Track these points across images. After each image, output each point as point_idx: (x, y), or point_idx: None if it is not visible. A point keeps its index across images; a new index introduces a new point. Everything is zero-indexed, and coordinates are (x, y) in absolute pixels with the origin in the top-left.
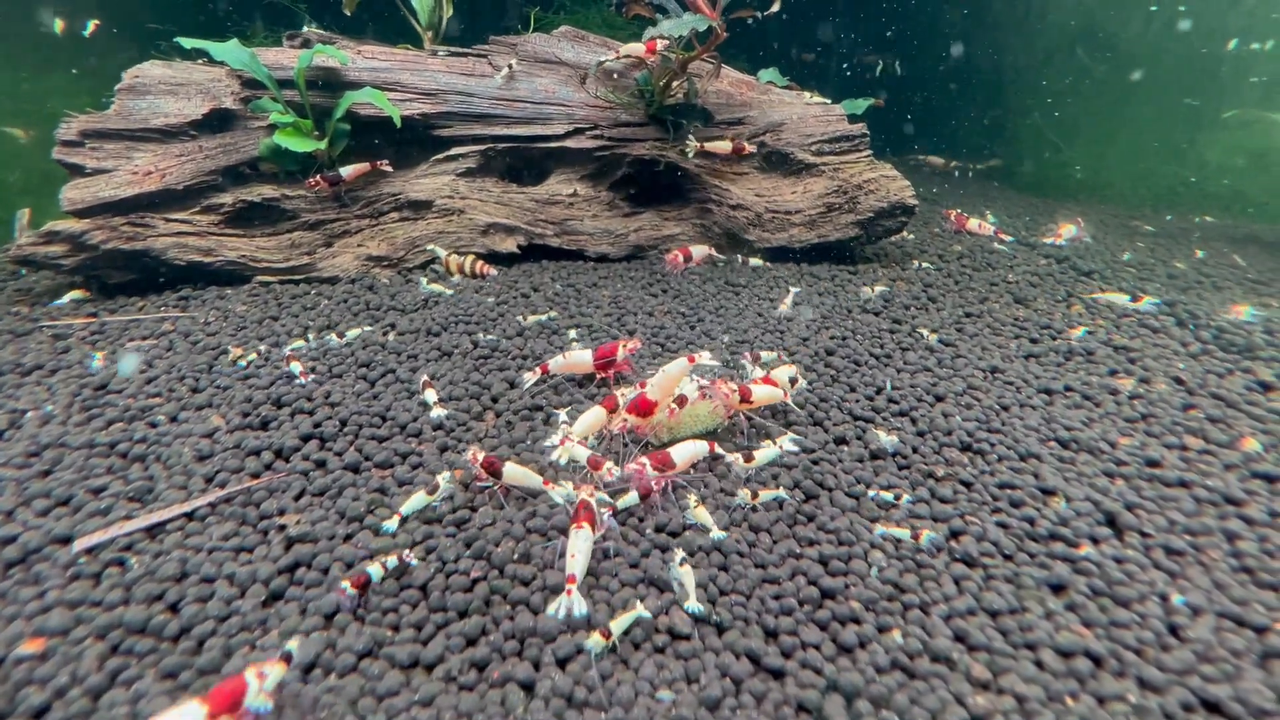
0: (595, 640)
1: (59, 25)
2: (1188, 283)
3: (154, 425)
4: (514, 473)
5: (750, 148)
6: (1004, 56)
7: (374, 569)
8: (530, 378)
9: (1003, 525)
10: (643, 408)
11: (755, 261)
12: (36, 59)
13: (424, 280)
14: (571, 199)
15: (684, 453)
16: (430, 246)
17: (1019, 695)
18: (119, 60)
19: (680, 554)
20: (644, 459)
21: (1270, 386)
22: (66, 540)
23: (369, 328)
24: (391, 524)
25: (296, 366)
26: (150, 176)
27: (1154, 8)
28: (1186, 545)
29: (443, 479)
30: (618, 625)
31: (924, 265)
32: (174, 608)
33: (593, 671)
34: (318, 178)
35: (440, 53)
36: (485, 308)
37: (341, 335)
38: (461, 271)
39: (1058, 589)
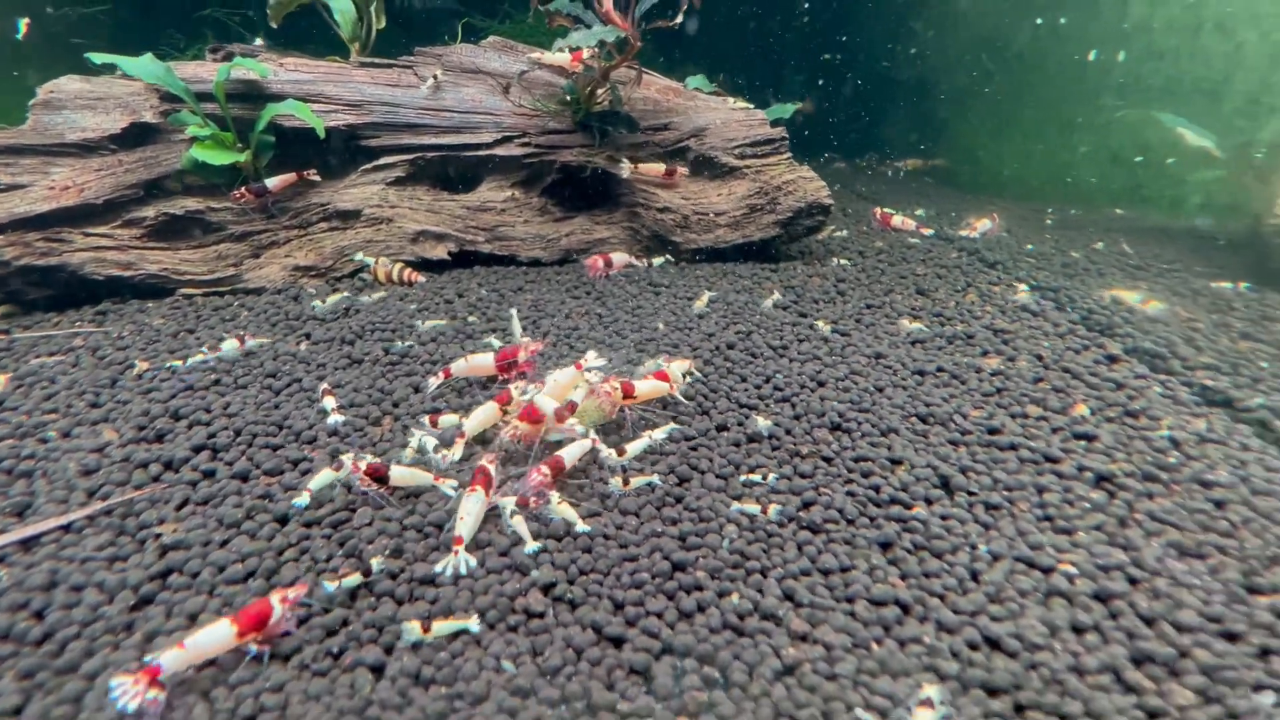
0: (413, 629)
1: None
2: (1075, 270)
3: (44, 441)
4: (401, 474)
5: (683, 170)
6: (934, 62)
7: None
8: (434, 382)
9: (851, 494)
10: (533, 416)
11: (658, 261)
12: None
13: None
14: (504, 205)
15: (573, 453)
16: (358, 255)
17: (828, 644)
18: (54, 74)
19: (511, 506)
20: (544, 466)
21: (1116, 359)
22: None
23: (268, 339)
24: (302, 500)
25: (192, 379)
26: (68, 191)
27: (1039, 20)
28: (1003, 500)
29: (346, 459)
30: (442, 627)
31: (842, 262)
32: (39, 614)
33: (444, 652)
34: (243, 189)
35: (366, 65)
36: (405, 315)
37: (243, 343)
38: (390, 279)
39: (885, 546)
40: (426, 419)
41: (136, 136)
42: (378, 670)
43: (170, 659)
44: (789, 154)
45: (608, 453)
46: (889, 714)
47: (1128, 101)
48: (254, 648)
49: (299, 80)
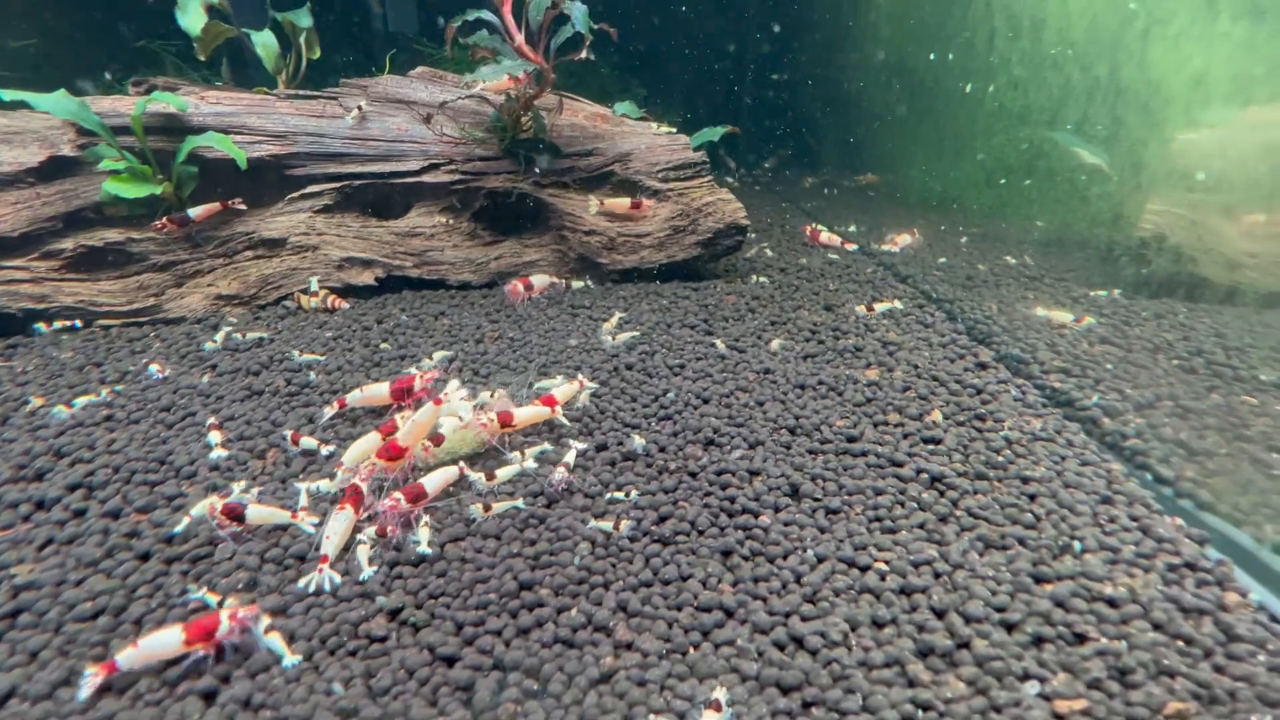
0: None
1: None
2: (976, 283)
3: None
4: (257, 514)
5: (649, 203)
6: (865, 88)
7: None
8: (329, 412)
9: (708, 506)
10: (393, 452)
11: (577, 284)
12: None
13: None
14: (433, 230)
15: (435, 481)
16: (314, 283)
17: (645, 651)
18: None
19: (365, 534)
20: (397, 494)
21: (985, 365)
22: None
23: (173, 370)
24: (180, 526)
25: (69, 413)
26: None
27: (931, 55)
28: (842, 504)
29: (237, 486)
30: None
31: (761, 279)
32: None
33: (277, 678)
34: (165, 220)
35: (290, 97)
36: (319, 343)
37: (132, 380)
38: (313, 308)
39: (726, 554)
40: (288, 434)
41: (55, 170)
42: (209, 697)
43: (125, 657)
44: (710, 177)
45: (476, 478)
46: (685, 716)
47: (1027, 125)
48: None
49: (220, 113)
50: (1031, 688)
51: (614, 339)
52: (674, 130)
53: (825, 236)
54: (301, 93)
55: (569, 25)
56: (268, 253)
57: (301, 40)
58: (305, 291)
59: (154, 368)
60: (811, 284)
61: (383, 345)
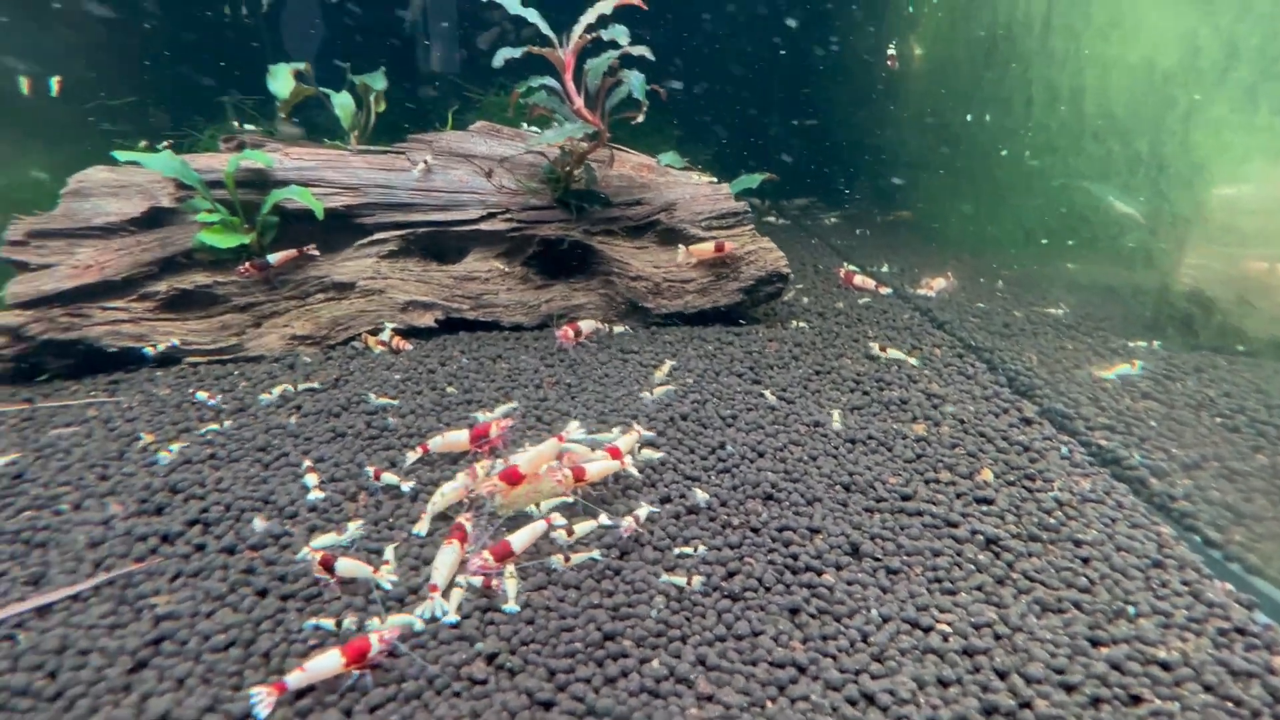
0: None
1: (25, 85)
2: (1013, 330)
3: (58, 513)
4: (345, 566)
5: (731, 246)
6: (900, 133)
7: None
8: (412, 456)
9: (772, 563)
10: (513, 477)
11: (619, 329)
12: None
13: (263, 396)
14: (488, 275)
15: (523, 537)
16: (388, 328)
17: (727, 704)
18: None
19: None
20: (486, 554)
21: (1030, 421)
22: None
23: (269, 409)
24: (304, 552)
25: (179, 452)
26: (90, 270)
27: (968, 117)
28: (902, 565)
29: (352, 526)
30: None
31: (801, 324)
32: (52, 674)
33: (395, 716)
34: (248, 264)
35: (363, 151)
36: (390, 385)
37: (221, 421)
38: (383, 346)
39: (794, 612)
40: (370, 470)
41: (154, 219)
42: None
43: (293, 678)
44: (751, 225)
45: (558, 533)
46: None
47: (1063, 175)
48: (355, 673)
49: (301, 167)
50: None
51: (666, 388)
52: (715, 180)
53: (859, 280)
54: (373, 148)
55: (624, 86)
56: (338, 295)
57: (371, 98)
58: (373, 333)
59: (264, 397)
60: (850, 330)
61: (449, 389)
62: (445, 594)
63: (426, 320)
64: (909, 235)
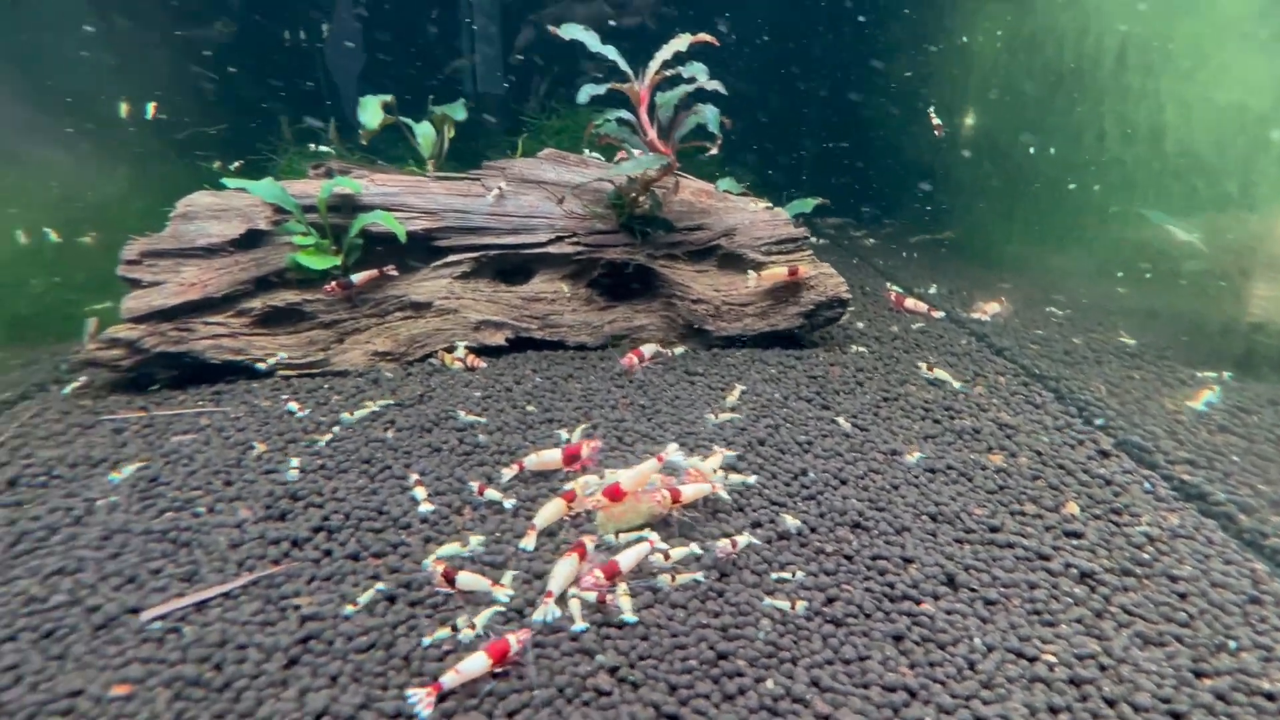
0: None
1: (124, 109)
2: (1076, 358)
3: (196, 515)
4: (465, 580)
5: (805, 269)
6: (950, 153)
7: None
8: (508, 473)
9: (869, 590)
10: (615, 494)
11: (678, 350)
12: (100, 166)
13: (345, 414)
14: (554, 295)
15: (629, 558)
16: (460, 346)
17: None
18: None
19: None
20: (597, 570)
21: (1107, 454)
22: (135, 611)
23: (369, 419)
24: (427, 562)
25: (301, 463)
26: (194, 287)
27: (1028, 141)
28: (999, 596)
29: (474, 539)
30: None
31: (860, 349)
32: (218, 667)
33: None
34: (333, 284)
35: (441, 178)
36: (473, 402)
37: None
38: (459, 363)
39: (898, 639)
40: (475, 485)
41: (250, 240)
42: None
43: (447, 679)
44: (810, 250)
45: (657, 555)
46: None
47: (1118, 201)
48: (499, 669)
49: (386, 193)
50: None
51: (737, 413)
52: (771, 205)
53: (910, 303)
54: (450, 175)
55: (695, 118)
56: (415, 314)
57: (445, 126)
58: (448, 350)
59: (346, 416)
60: (910, 355)
61: (529, 408)
62: (562, 603)
63: (498, 339)
64: (953, 257)
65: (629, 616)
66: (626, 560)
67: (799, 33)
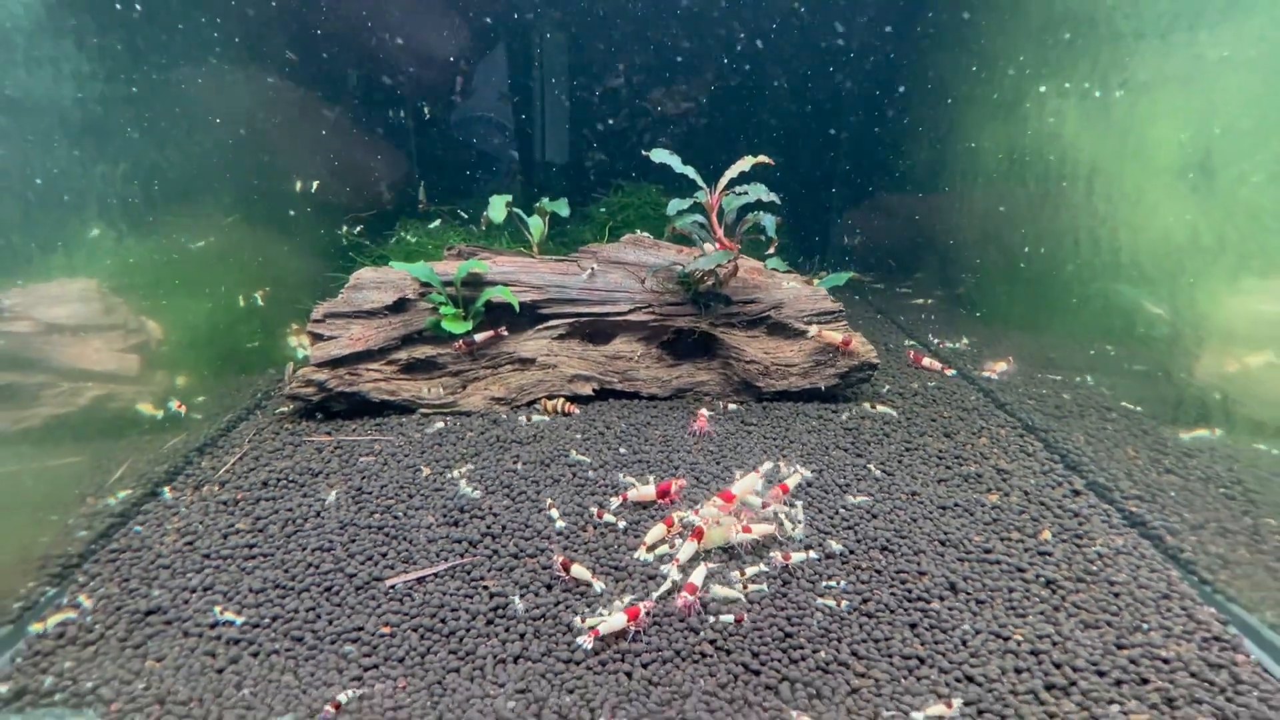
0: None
1: (298, 185)
2: (1064, 412)
3: (395, 518)
4: (577, 571)
5: (856, 343)
6: (956, 220)
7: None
8: (615, 502)
9: (893, 594)
10: (726, 499)
11: (732, 406)
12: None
13: (460, 482)
14: (631, 354)
15: (699, 577)
16: (560, 395)
17: (876, 678)
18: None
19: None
20: (686, 594)
21: (1078, 492)
22: (379, 579)
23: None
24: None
25: (464, 485)
26: (359, 341)
27: (1026, 248)
28: (987, 597)
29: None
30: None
31: (885, 407)
32: (442, 620)
33: (660, 670)
34: (460, 342)
35: (546, 259)
36: (576, 443)
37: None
38: (555, 411)
39: (913, 626)
40: (594, 510)
41: (399, 306)
42: (628, 675)
43: (603, 627)
44: (845, 322)
45: (734, 574)
46: (908, 714)
47: (1102, 280)
48: (632, 629)
49: (505, 272)
50: (1115, 708)
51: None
52: (809, 280)
53: (927, 360)
54: (553, 257)
55: (754, 222)
56: (521, 368)
57: (545, 219)
58: (549, 399)
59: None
60: (927, 409)
61: (621, 449)
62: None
63: (587, 389)
64: (966, 317)
65: (729, 617)
66: (699, 578)
67: (823, 122)
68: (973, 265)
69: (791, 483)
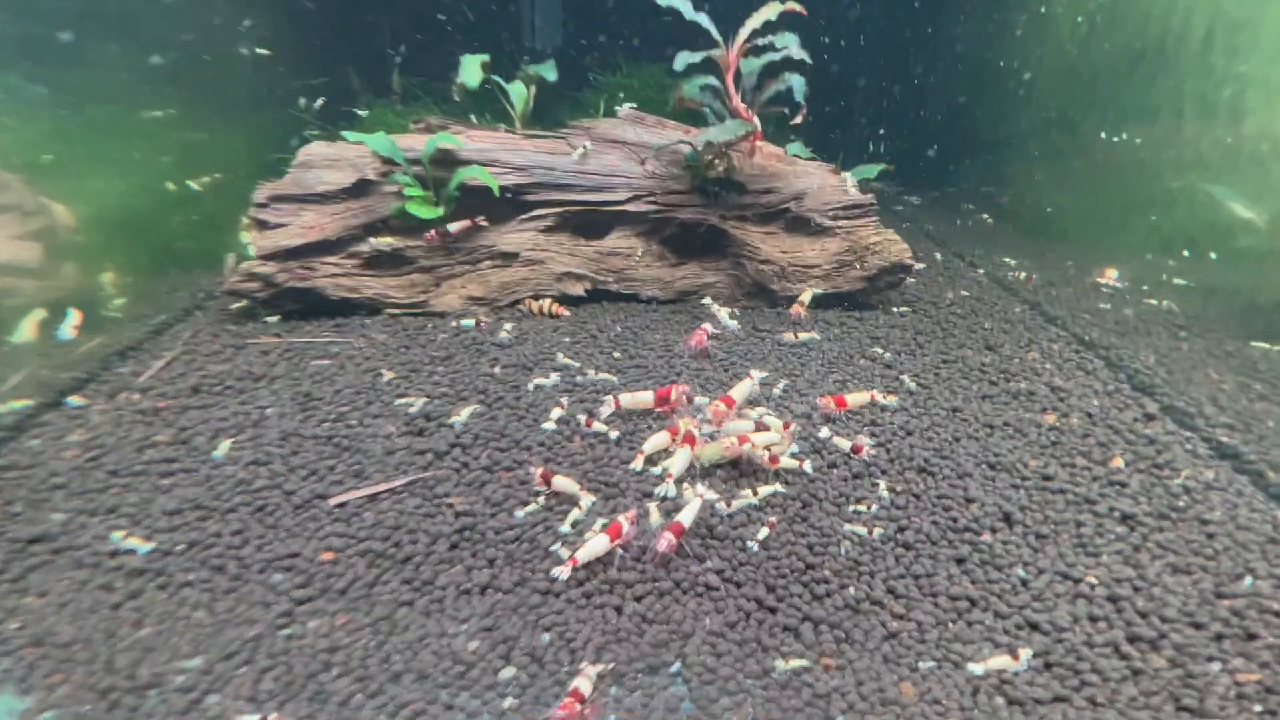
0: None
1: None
2: (1126, 329)
3: (350, 426)
4: (559, 483)
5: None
6: (1011, 125)
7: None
8: (606, 409)
9: (935, 523)
10: (726, 403)
11: (745, 308)
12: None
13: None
14: (628, 250)
15: (689, 515)
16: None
17: (919, 621)
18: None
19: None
20: (668, 534)
21: (1152, 417)
22: (323, 497)
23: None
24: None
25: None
26: (312, 230)
27: (1102, 134)
28: (1049, 531)
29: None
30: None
31: (917, 314)
32: (397, 544)
33: (657, 605)
34: (432, 232)
35: (530, 136)
36: (564, 347)
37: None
38: (541, 312)
39: (960, 561)
40: (583, 419)
41: (359, 189)
42: (618, 610)
43: (581, 553)
44: (876, 218)
45: (746, 492)
46: (960, 665)
47: (1190, 179)
48: (620, 551)
49: (482, 149)
50: (1215, 665)
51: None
52: (838, 169)
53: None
54: (539, 133)
55: (778, 85)
56: (504, 263)
57: (530, 89)
58: (535, 299)
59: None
60: (965, 320)
61: (615, 354)
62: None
63: (578, 290)
64: (1007, 226)
65: (753, 545)
66: (687, 516)
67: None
68: (1024, 165)
69: (774, 425)
